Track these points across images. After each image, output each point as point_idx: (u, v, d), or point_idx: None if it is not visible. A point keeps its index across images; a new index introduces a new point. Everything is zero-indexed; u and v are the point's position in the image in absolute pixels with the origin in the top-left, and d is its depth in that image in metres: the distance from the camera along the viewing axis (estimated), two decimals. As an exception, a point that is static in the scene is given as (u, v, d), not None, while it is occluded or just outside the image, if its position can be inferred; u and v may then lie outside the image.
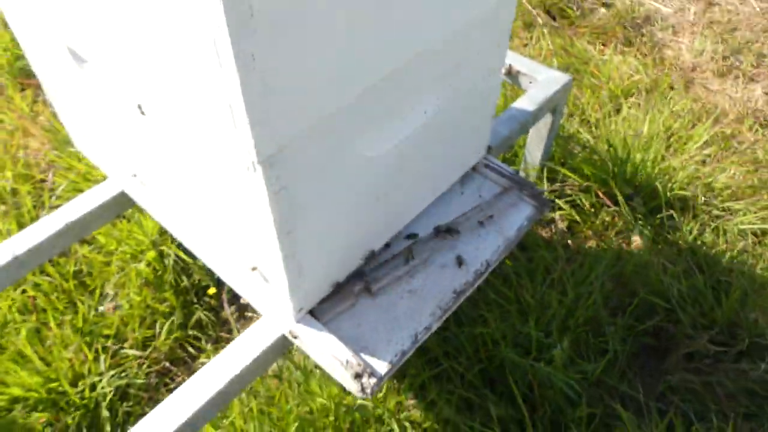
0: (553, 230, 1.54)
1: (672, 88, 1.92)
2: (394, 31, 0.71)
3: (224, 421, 1.16)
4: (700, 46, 2.13)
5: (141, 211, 1.48)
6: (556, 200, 1.55)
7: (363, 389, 0.86)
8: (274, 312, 0.92)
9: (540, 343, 1.20)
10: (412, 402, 1.20)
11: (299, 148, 0.68)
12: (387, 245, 1.02)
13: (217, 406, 0.90)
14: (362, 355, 0.88)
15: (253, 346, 0.92)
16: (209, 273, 1.45)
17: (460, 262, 0.97)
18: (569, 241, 1.52)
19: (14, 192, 1.57)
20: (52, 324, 1.30)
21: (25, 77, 1.92)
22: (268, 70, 0.57)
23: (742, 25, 2.25)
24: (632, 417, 1.13)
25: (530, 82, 1.40)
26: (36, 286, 1.39)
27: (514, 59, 1.44)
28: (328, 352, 0.88)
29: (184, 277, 1.44)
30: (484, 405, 1.15)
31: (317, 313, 0.92)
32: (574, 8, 2.25)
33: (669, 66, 2.03)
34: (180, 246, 1.45)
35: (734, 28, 2.23)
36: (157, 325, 1.37)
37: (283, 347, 0.96)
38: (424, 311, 0.94)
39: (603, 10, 2.27)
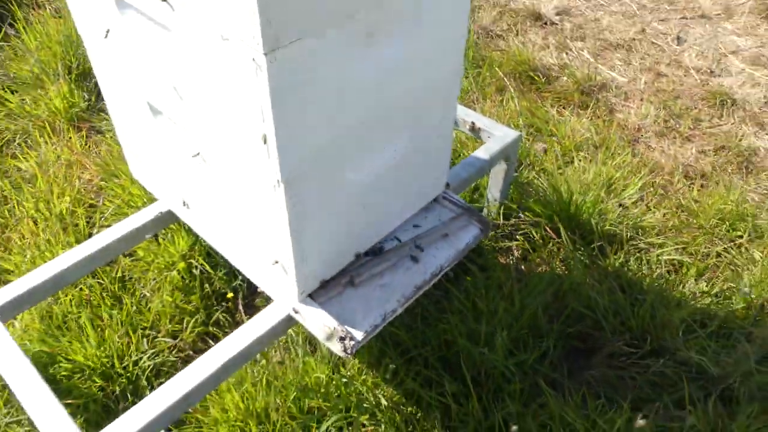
0: (510, 257, 1.92)
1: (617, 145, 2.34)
2: (373, 98, 1.11)
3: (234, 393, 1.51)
4: (646, 110, 2.56)
5: (174, 232, 1.87)
6: (513, 233, 1.94)
7: (345, 349, 1.22)
8: (283, 295, 1.29)
9: (488, 336, 1.56)
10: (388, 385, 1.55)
11: (308, 172, 1.07)
12: (366, 253, 1.39)
13: (244, 360, 1.26)
14: (346, 326, 1.25)
15: (268, 319, 1.29)
16: (228, 282, 1.83)
17: (416, 260, 1.35)
18: (522, 266, 1.89)
19: (72, 213, 1.96)
20: (104, 315, 1.66)
21: (79, 121, 2.34)
22: (293, 122, 0.97)
23: (684, 94, 2.69)
24: (554, 393, 1.48)
25: (488, 137, 1.81)
26: (90, 287, 1.76)
27: (477, 118, 1.85)
28: (321, 323, 1.25)
29: (207, 285, 1.81)
30: (441, 382, 1.50)
31: (314, 297, 1.29)
32: (540, 76, 2.70)
33: (617, 126, 2.45)
34: (206, 259, 1.83)
35: (677, 96, 2.67)
36: (185, 322, 1.73)
37: (290, 322, 1.33)
38: (392, 299, 1.31)
39: (565, 78, 2.72)
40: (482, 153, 1.74)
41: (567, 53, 2.94)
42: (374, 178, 1.25)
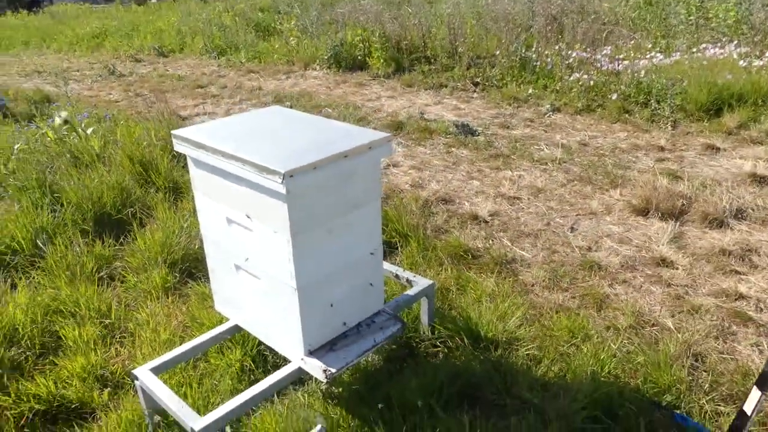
0: (436, 357, 3.33)
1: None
2: (336, 258, 2.70)
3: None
4: (539, 273, 4.11)
5: (233, 345, 3.33)
6: (437, 342, 3.38)
7: (326, 377, 2.64)
8: (296, 353, 2.74)
9: (412, 391, 2.93)
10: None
11: (310, 287, 2.61)
12: (341, 335, 2.86)
13: (277, 388, 2.68)
14: (328, 367, 2.68)
15: (288, 369, 2.73)
16: (265, 374, 3.24)
17: (364, 338, 2.82)
18: (443, 361, 3.29)
19: (170, 340, 3.46)
20: (194, 387, 3.08)
21: (172, 290, 3.95)
22: (303, 264, 2.54)
23: (567, 263, 4.26)
24: (449, 416, 2.81)
25: (415, 284, 3.36)
26: (183, 377, 3.19)
27: (408, 274, 3.42)
28: (316, 366, 2.68)
29: (252, 375, 3.23)
30: (390, 414, 2.85)
31: (312, 354, 2.74)
32: (470, 255, 4.32)
33: (515, 283, 3.99)
34: (252, 361, 3.27)
35: (563, 265, 4.24)
36: (238, 396, 3.12)
37: (300, 371, 2.75)
38: (352, 355, 2.75)
39: (487, 255, 4.33)
40: (411, 292, 3.27)
41: (492, 241, 4.61)
42: (344, 294, 2.78)
